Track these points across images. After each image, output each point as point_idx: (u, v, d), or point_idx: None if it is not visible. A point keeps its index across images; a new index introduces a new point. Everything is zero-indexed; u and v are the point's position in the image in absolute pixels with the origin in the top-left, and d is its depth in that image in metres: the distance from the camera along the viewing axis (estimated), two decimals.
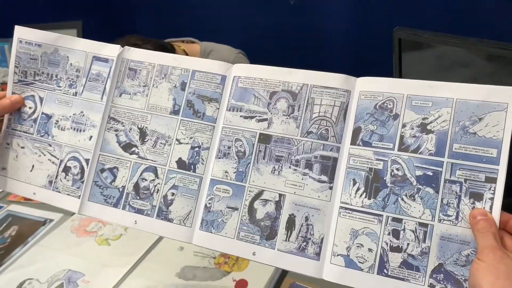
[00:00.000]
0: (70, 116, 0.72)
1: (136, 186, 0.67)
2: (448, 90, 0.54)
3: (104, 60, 0.72)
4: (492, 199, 0.51)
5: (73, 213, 1.27)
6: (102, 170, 0.69)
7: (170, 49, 1.39)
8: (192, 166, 0.66)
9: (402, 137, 0.55)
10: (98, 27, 2.35)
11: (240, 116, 0.65)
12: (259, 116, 0.64)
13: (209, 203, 0.64)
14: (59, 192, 0.71)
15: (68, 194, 0.70)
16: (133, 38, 1.34)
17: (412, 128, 0.55)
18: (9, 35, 1.54)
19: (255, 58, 1.64)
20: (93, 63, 0.72)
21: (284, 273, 0.99)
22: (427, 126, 0.54)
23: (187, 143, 0.66)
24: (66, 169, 0.71)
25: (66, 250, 1.14)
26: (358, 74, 2.01)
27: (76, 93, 0.73)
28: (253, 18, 2.47)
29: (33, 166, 0.73)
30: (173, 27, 2.64)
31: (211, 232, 0.63)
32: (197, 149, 0.66)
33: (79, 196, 0.69)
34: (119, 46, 0.72)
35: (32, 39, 0.76)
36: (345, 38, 2.29)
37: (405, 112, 0.55)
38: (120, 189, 0.68)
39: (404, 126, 0.55)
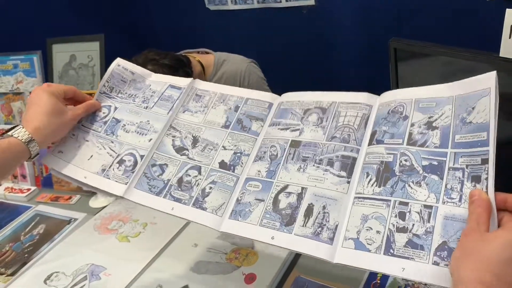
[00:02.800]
0: (136, 123, 0.83)
1: (180, 180, 0.75)
2: (448, 89, 0.61)
3: (178, 88, 0.86)
4: (486, 179, 0.52)
5: (96, 213, 1.36)
6: (153, 165, 0.78)
7: (186, 62, 1.47)
8: (232, 167, 0.74)
9: (410, 134, 0.61)
10: (119, 39, 2.46)
11: (278, 129, 0.75)
12: (293, 127, 0.74)
13: (241, 197, 0.70)
14: (109, 178, 0.78)
15: (117, 181, 0.77)
16: (151, 54, 1.42)
17: (420, 126, 0.61)
18: (37, 47, 1.66)
19: (267, 67, 1.71)
20: (168, 89, 0.86)
21: (290, 267, 1.05)
22: (432, 123, 0.60)
23: (231, 149, 0.76)
24: (121, 161, 0.79)
25: (89, 246, 1.22)
26: (365, 81, 2.07)
27: (147, 107, 0.85)
28: (266, 28, 2.54)
29: (91, 156, 0.81)
30: (192, 37, 2.74)
31: (238, 220, 0.68)
32: (238, 154, 0.75)
33: (127, 183, 0.76)
34: (191, 78, 0.86)
35: (129, 67, 0.89)
36: (355, 46, 2.35)
37: (414, 113, 0.62)
38: (165, 181, 0.76)
39: (412, 125, 0.61)
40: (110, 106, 0.86)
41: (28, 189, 1.58)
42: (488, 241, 0.48)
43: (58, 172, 0.81)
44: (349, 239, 0.59)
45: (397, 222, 0.57)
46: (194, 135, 0.80)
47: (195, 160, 0.77)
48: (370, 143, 0.64)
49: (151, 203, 0.75)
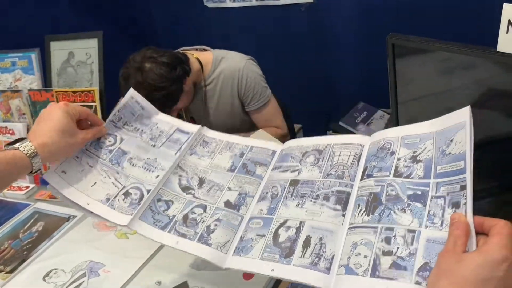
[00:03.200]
0: (143, 159, 0.85)
1: (185, 217, 0.77)
2: (430, 126, 0.66)
3: (185, 132, 0.89)
4: (465, 203, 0.56)
5: None
6: (159, 200, 0.80)
7: (184, 59, 1.47)
8: (237, 207, 0.78)
9: (397, 167, 0.66)
10: (118, 36, 2.46)
11: (279, 171, 0.80)
12: (292, 169, 0.79)
13: (244, 234, 0.74)
14: (114, 209, 0.78)
15: (122, 212, 0.78)
16: (149, 52, 1.42)
17: (405, 160, 0.66)
18: (35, 45, 1.66)
19: (265, 64, 1.71)
20: (176, 132, 0.89)
21: None
22: (416, 157, 0.65)
23: (236, 190, 0.80)
24: (127, 194, 0.80)
25: (88, 243, 1.22)
26: (364, 78, 2.07)
27: (154, 145, 0.87)
28: (264, 26, 2.54)
29: (95, 182, 0.81)
30: (190, 34, 2.74)
31: (240, 256, 0.71)
32: (243, 195, 0.79)
33: (132, 214, 0.77)
34: (199, 126, 0.89)
35: (140, 101, 0.92)
36: (354, 44, 2.35)
37: (400, 149, 0.67)
38: (170, 217, 0.78)
39: (399, 159, 0.66)
40: (116, 136, 0.88)
41: (27, 187, 1.58)
42: (464, 261, 0.50)
43: (58, 192, 0.80)
44: (341, 266, 0.62)
45: (383, 246, 0.60)
46: (200, 176, 0.83)
47: (200, 199, 0.80)
48: (362, 178, 0.69)
49: (155, 236, 0.76)
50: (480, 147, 0.93)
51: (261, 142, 0.88)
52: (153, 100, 1.39)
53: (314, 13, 2.38)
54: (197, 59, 1.58)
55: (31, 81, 1.64)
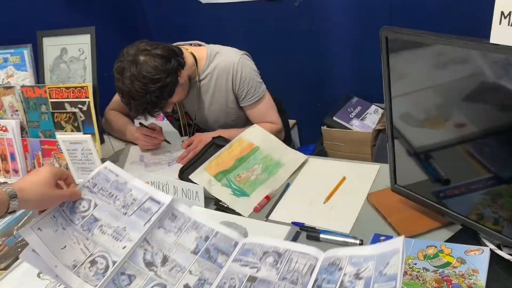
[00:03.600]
0: (113, 227, 0.88)
1: None
2: (373, 249, 0.76)
3: (157, 202, 0.92)
4: None
5: None
6: (123, 274, 0.84)
7: (178, 53, 1.46)
8: None
9: (342, 281, 0.75)
10: (111, 32, 2.45)
11: (239, 264, 0.88)
12: (252, 265, 0.87)
13: None
14: (79, 277, 0.82)
15: (86, 281, 0.82)
16: (142, 44, 1.42)
17: (350, 276, 0.75)
18: (28, 41, 1.64)
19: (259, 59, 1.70)
20: (148, 201, 0.92)
21: None
22: (359, 275, 0.74)
23: (196, 275, 0.86)
24: (93, 262, 0.84)
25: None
26: (358, 73, 2.07)
27: (126, 213, 0.90)
28: (258, 21, 2.54)
29: (65, 246, 0.84)
30: (184, 30, 2.73)
31: None
32: (202, 281, 0.86)
33: (96, 285, 0.81)
34: (172, 197, 0.93)
35: (114, 170, 0.95)
36: (348, 38, 2.35)
37: (347, 266, 0.77)
38: None
39: (344, 275, 0.76)
40: (91, 200, 0.90)
41: None
42: None
43: (29, 248, 0.82)
44: None
45: None
46: (164, 253, 0.88)
47: (162, 278, 0.85)
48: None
49: None
50: (474, 140, 0.94)
51: (226, 229, 0.94)
52: (148, 92, 1.40)
53: (308, 8, 2.37)
54: (192, 53, 1.57)
55: (24, 78, 1.63)
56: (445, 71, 0.92)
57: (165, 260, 0.87)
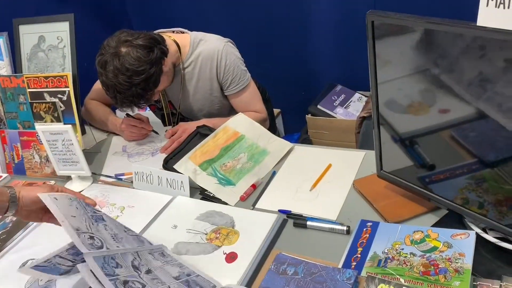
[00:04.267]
0: (115, 232, 0.97)
1: (125, 282, 0.83)
2: None
3: (150, 243, 1.06)
4: None
5: None
6: (112, 259, 0.87)
7: (161, 41, 1.43)
8: None
9: None
10: (90, 18, 2.39)
11: None
12: None
13: None
14: (79, 237, 0.85)
15: (82, 243, 0.84)
16: (123, 35, 1.37)
17: None
18: (3, 29, 1.59)
19: (242, 47, 1.68)
20: (144, 239, 1.05)
21: (271, 245, 1.05)
22: None
23: None
24: (92, 238, 0.88)
25: (65, 233, 1.19)
26: (342, 61, 2.05)
27: (126, 231, 1.02)
28: (241, 7, 2.50)
29: (74, 216, 0.91)
30: (164, 17, 2.68)
31: None
32: None
33: (90, 250, 0.84)
34: (161, 244, 1.07)
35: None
36: (332, 27, 2.34)
37: None
38: (114, 274, 0.83)
39: None
40: (101, 211, 1.03)
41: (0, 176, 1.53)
42: None
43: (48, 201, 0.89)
44: None
45: None
46: (149, 268, 0.92)
47: (143, 280, 0.87)
48: None
49: (99, 275, 0.80)
50: (458, 126, 0.94)
51: (208, 276, 0.97)
52: (133, 85, 1.37)
53: None
54: (174, 41, 1.54)
55: (0, 67, 1.58)
56: (431, 56, 0.91)
57: (149, 272, 0.90)
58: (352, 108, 2.27)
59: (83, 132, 1.60)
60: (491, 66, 0.80)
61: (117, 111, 1.77)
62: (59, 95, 1.42)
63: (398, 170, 1.09)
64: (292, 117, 2.68)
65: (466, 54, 0.84)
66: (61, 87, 1.42)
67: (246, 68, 1.63)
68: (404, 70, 0.99)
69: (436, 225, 1.01)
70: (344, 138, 2.14)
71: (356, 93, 2.33)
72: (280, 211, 1.15)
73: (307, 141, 2.32)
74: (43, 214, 0.97)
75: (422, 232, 0.98)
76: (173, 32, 1.64)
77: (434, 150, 1.03)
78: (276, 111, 2.49)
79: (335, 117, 2.25)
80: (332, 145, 1.58)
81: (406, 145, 1.06)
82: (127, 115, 1.65)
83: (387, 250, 0.96)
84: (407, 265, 0.91)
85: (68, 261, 0.91)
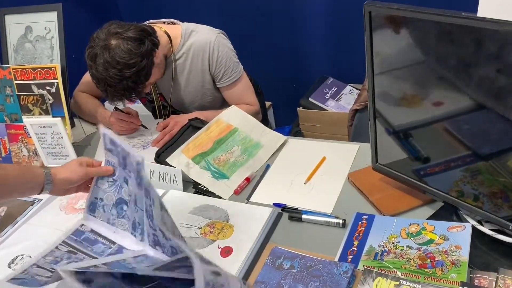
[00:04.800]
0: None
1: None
2: None
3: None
4: None
5: None
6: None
7: (151, 32, 1.40)
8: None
9: None
10: (78, 9, 2.34)
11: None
12: None
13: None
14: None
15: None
16: (113, 26, 1.34)
17: None
18: None
19: (233, 39, 1.66)
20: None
21: (266, 239, 1.04)
22: None
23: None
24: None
25: (56, 227, 1.17)
26: (333, 54, 2.02)
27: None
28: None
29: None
30: (155, 7, 2.63)
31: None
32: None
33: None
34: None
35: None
36: (323, 18, 2.32)
37: None
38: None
39: None
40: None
41: None
42: None
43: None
44: None
45: None
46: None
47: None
48: None
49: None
50: (452, 118, 0.94)
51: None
52: (124, 78, 1.34)
53: None
54: (165, 32, 1.51)
55: None
56: (428, 47, 0.91)
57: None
58: (344, 100, 2.26)
59: (72, 125, 1.57)
60: (488, 58, 0.79)
61: (106, 104, 1.74)
62: (48, 87, 1.39)
63: (393, 162, 1.08)
64: (283, 110, 2.66)
65: (464, 46, 0.83)
66: (49, 79, 1.39)
67: (238, 60, 1.60)
68: (400, 62, 0.98)
69: (432, 217, 1.01)
70: (336, 131, 2.13)
71: (348, 86, 2.32)
72: (275, 204, 1.14)
73: (298, 134, 2.31)
74: (76, 189, 1.02)
75: (418, 225, 0.98)
76: (164, 23, 1.61)
77: (429, 143, 1.02)
78: (267, 103, 2.48)
79: (326, 110, 2.24)
80: (324, 138, 1.57)
81: (401, 137, 1.06)
82: (116, 108, 1.62)
83: (383, 243, 0.96)
84: (403, 258, 0.91)
85: (46, 271, 0.89)
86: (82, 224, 0.98)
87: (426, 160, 1.04)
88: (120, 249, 0.94)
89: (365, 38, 0.96)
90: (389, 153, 1.09)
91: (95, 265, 0.85)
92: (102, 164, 1.00)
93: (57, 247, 0.93)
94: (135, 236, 0.94)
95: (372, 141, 1.09)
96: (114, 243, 0.95)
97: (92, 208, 0.99)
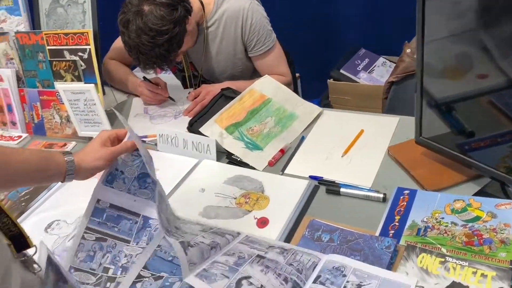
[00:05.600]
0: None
1: None
2: (379, 271, 0.82)
3: None
4: None
5: None
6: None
7: None
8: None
9: (345, 286, 0.81)
10: None
11: (247, 247, 0.90)
12: (259, 249, 0.89)
13: (208, 267, 0.84)
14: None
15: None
16: None
17: (353, 284, 0.80)
18: None
19: (264, 6, 1.60)
20: None
21: (303, 212, 1.02)
22: (361, 286, 0.80)
23: (209, 239, 0.91)
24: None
25: (89, 194, 1.17)
26: (367, 24, 1.95)
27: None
28: None
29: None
30: None
31: (202, 280, 0.80)
32: (215, 243, 0.90)
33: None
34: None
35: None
36: None
37: (350, 275, 0.82)
38: None
39: (347, 282, 0.81)
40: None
41: (19, 136, 1.50)
42: None
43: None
44: None
45: None
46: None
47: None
48: (314, 281, 0.83)
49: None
50: (498, 91, 0.89)
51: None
52: (157, 45, 1.31)
53: None
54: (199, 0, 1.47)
55: (18, 23, 1.52)
56: (483, 15, 0.85)
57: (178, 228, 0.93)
58: (376, 73, 2.20)
59: (103, 92, 1.55)
60: None
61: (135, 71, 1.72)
62: (80, 53, 1.37)
63: (437, 136, 1.04)
64: (311, 82, 2.60)
65: None
66: (81, 45, 1.37)
67: (271, 28, 1.55)
68: (449, 30, 0.93)
69: (478, 194, 0.97)
70: (368, 104, 2.08)
71: (381, 58, 2.25)
72: (311, 177, 1.11)
73: (327, 106, 2.26)
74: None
75: (463, 201, 0.94)
76: None
77: (474, 117, 0.98)
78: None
79: (358, 82, 2.18)
80: (354, 111, 1.52)
81: (445, 110, 1.01)
82: (144, 78, 1.60)
83: (427, 219, 0.93)
84: (448, 234, 0.88)
85: (88, 274, 0.88)
86: (99, 200, 0.93)
87: (471, 134, 1.00)
88: (146, 221, 0.91)
89: (417, 4, 0.90)
90: (432, 127, 1.05)
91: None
92: (126, 138, 0.94)
93: (83, 237, 0.90)
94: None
95: (417, 113, 1.04)
96: (138, 215, 0.92)
97: (110, 179, 0.94)
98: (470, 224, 0.89)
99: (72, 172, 0.86)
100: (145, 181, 0.93)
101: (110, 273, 0.87)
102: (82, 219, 0.92)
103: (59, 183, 1.22)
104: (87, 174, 0.90)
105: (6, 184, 0.81)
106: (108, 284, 0.86)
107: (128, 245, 0.90)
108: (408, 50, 1.70)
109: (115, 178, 0.94)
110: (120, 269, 0.87)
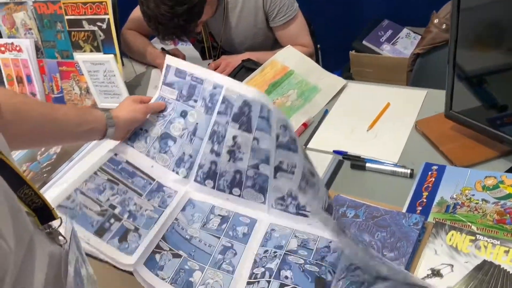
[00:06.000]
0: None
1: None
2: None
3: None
4: None
5: None
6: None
7: None
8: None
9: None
10: None
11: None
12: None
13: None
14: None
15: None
16: None
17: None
18: None
19: None
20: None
21: (327, 187, 1.00)
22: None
23: None
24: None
25: None
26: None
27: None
28: None
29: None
30: None
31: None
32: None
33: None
34: None
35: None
36: None
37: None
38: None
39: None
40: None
41: None
42: None
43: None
44: None
45: None
46: None
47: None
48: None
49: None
50: None
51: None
52: (176, 15, 1.28)
53: None
54: None
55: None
56: None
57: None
58: (400, 45, 2.12)
59: (122, 64, 1.53)
60: None
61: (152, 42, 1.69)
62: (98, 23, 1.35)
63: (468, 110, 1.00)
64: (331, 53, 2.54)
65: None
66: (100, 14, 1.34)
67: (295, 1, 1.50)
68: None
69: (510, 171, 0.94)
70: (391, 76, 2.01)
71: (405, 29, 2.17)
72: (335, 151, 1.09)
73: (349, 79, 2.20)
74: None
75: (495, 177, 0.90)
76: None
77: (507, 90, 0.93)
78: None
79: (381, 54, 2.12)
80: (377, 84, 1.48)
81: (474, 84, 0.97)
82: (162, 49, 1.57)
83: (456, 195, 0.90)
84: (479, 212, 0.85)
85: (93, 202, 0.84)
86: (116, 154, 0.93)
87: (503, 108, 0.95)
88: (160, 187, 0.90)
89: None
90: (463, 100, 1.00)
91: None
92: (153, 100, 0.97)
93: (95, 173, 0.88)
94: (177, 173, 0.90)
95: (448, 86, 1.00)
96: (153, 179, 0.91)
97: (132, 138, 0.95)
98: (502, 202, 0.85)
99: (112, 124, 0.88)
100: (166, 143, 0.93)
101: (116, 211, 0.84)
102: (96, 161, 0.91)
103: (86, 149, 1.23)
104: (125, 128, 0.92)
105: (54, 139, 0.86)
106: (112, 220, 0.82)
107: (139, 198, 0.87)
108: (436, 21, 1.62)
109: (137, 136, 0.95)
110: (128, 213, 0.84)
